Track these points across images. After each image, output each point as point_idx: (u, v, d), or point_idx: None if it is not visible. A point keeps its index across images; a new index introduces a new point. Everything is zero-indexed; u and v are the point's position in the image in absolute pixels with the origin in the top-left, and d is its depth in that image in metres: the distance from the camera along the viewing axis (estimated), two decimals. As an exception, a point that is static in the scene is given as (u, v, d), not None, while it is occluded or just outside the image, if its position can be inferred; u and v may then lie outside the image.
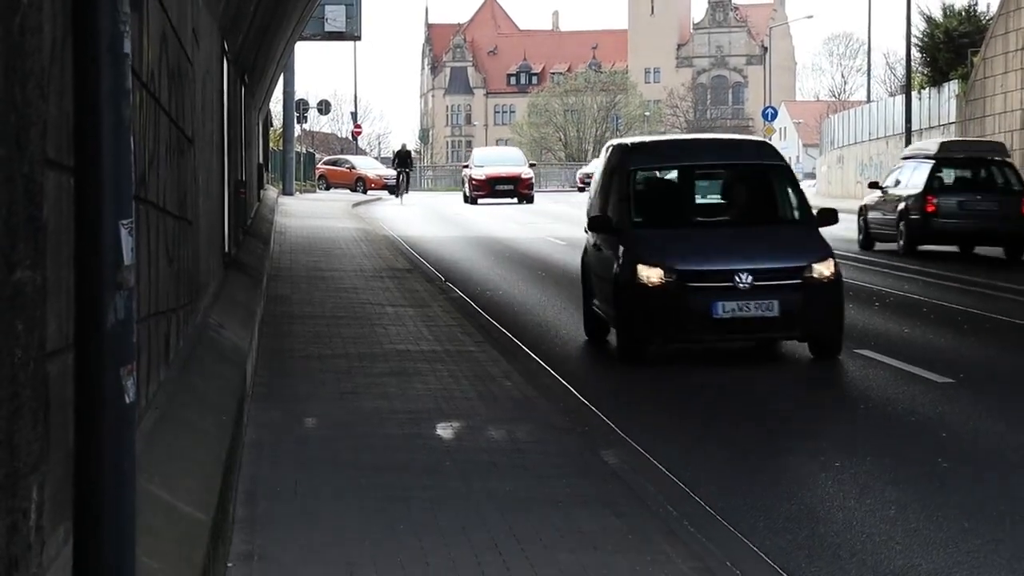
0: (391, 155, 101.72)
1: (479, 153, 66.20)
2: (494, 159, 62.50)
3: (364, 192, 69.28)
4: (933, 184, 29.54)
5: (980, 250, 29.52)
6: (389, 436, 10.24)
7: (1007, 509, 8.85)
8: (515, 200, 58.44)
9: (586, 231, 16.92)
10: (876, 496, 9.27)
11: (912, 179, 30.24)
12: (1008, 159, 31.16)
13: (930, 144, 32.63)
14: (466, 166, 63.46)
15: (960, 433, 11.32)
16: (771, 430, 11.47)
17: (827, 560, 7.79)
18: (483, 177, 58.97)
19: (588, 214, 16.96)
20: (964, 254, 29.55)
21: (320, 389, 12.27)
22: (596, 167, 59.91)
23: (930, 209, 29.04)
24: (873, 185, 32.67)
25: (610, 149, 17.31)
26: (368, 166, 76.81)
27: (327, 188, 71.92)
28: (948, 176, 30.15)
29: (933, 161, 30.10)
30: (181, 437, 6.83)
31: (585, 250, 17.24)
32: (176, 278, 8.32)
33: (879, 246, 31.10)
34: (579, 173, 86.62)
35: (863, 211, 32.20)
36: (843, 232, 28.15)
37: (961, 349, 16.09)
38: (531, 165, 65.00)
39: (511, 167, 60.48)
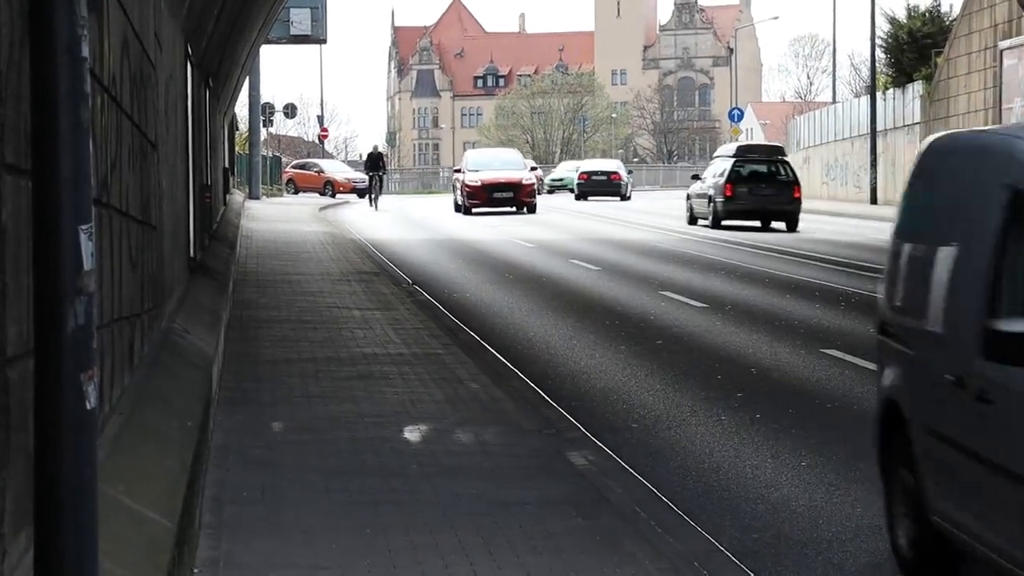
0: (360, 158, 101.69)
1: (473, 156, 56.94)
2: (490, 162, 54.26)
3: (333, 196, 69.24)
4: (731, 177, 40.45)
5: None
6: (356, 440, 10.22)
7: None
8: (514, 209, 51.29)
9: (883, 337, 8.20)
10: (843, 495, 9.29)
11: (718, 173, 41.27)
12: (784, 157, 42.86)
13: (731, 147, 44.87)
14: (458, 170, 54.54)
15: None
16: (732, 426, 11.48)
17: (794, 559, 7.80)
18: (478, 183, 51.19)
19: (895, 308, 7.99)
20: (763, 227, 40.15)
21: (287, 393, 12.24)
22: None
23: (728, 194, 40.29)
24: (695, 177, 44.79)
25: (955, 151, 7.87)
26: (336, 169, 76.91)
27: (295, 192, 72.00)
28: (744, 170, 40.93)
29: (732, 159, 41.57)
30: (146, 442, 6.81)
31: (903, 383, 7.77)
32: (140, 283, 8.29)
33: (700, 223, 42.02)
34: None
35: (688, 197, 43.78)
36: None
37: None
38: (532, 169, 56.89)
39: (510, 171, 52.63)
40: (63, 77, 3.34)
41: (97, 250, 5.98)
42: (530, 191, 52.32)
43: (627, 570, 7.02)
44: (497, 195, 51.25)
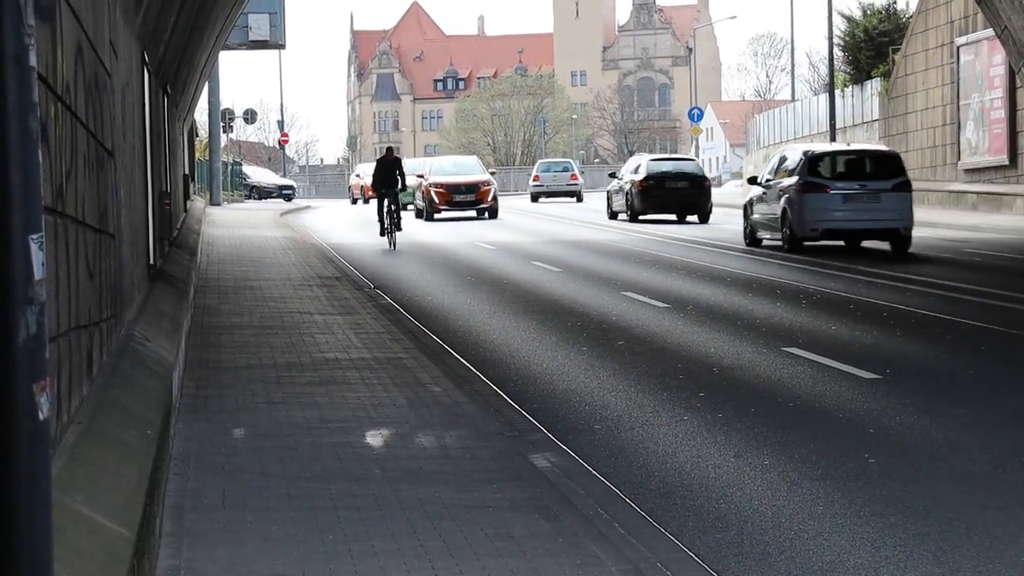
0: (321, 163, 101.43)
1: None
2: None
3: (366, 202, 70.01)
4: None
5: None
6: (318, 445, 10.20)
7: (933, 504, 8.92)
8: None
9: None
10: (805, 493, 9.31)
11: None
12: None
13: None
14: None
15: (887, 429, 11.40)
16: (695, 426, 11.50)
17: (756, 559, 7.82)
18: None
19: None
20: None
21: (248, 399, 12.20)
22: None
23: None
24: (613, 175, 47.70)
25: None
26: (367, 173, 79.21)
27: (365, 201, 74.77)
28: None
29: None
30: (105, 452, 6.77)
31: None
32: (98, 292, 8.25)
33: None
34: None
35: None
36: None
37: (887, 344, 16.20)
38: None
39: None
40: (11, 87, 3.32)
41: (53, 259, 5.96)
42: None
43: (590, 572, 7.02)
44: None
